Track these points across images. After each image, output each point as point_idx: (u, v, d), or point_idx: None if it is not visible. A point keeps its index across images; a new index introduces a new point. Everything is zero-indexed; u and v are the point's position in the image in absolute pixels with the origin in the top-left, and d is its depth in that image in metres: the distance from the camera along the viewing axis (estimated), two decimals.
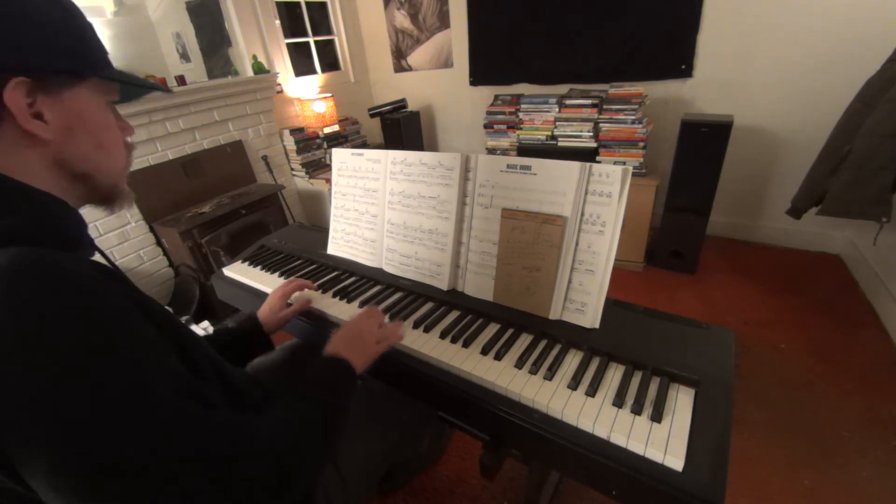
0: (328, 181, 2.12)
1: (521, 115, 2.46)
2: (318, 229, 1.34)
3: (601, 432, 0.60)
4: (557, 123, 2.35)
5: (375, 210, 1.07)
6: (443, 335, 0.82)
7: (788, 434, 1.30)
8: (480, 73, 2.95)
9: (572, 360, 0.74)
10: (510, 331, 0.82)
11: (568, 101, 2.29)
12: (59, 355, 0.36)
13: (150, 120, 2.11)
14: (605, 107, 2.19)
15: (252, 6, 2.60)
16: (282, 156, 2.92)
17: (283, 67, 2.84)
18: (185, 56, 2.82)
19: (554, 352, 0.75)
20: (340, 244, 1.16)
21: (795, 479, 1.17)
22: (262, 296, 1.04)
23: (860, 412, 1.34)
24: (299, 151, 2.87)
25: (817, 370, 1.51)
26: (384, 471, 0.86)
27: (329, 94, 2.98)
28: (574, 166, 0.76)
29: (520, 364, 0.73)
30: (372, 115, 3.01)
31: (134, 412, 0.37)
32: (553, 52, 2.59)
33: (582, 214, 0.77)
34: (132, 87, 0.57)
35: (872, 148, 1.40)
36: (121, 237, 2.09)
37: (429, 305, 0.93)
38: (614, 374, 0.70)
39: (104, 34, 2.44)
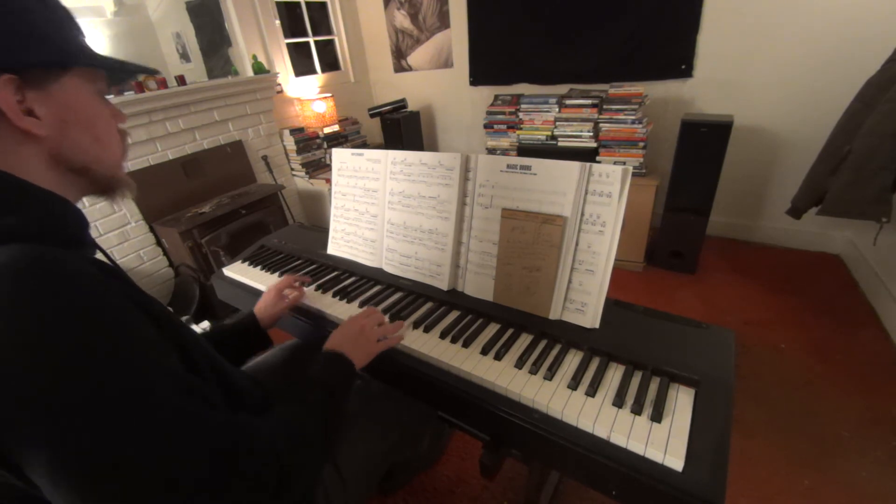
0: (328, 181, 2.12)
1: (521, 115, 2.46)
2: (318, 229, 1.34)
3: (601, 432, 0.60)
4: (557, 123, 2.34)
5: (375, 210, 1.07)
6: (443, 335, 0.82)
7: (788, 434, 1.30)
8: (480, 73, 2.95)
9: (572, 360, 0.74)
10: (510, 331, 0.82)
11: (568, 101, 2.29)
12: (60, 355, 0.36)
13: (150, 120, 2.12)
14: (605, 107, 2.19)
15: (252, 6, 2.60)
16: (282, 156, 2.92)
17: (283, 67, 2.84)
18: (185, 56, 2.82)
19: (554, 352, 0.75)
20: (340, 244, 1.16)
21: (795, 479, 1.17)
22: (262, 296, 1.04)
23: (860, 412, 1.34)
24: (299, 151, 2.87)
25: (817, 370, 1.51)
26: (384, 471, 0.87)
27: (329, 94, 2.98)
28: (574, 166, 0.76)
29: (520, 364, 0.73)
30: (372, 115, 3.01)
31: (134, 412, 0.37)
32: (553, 52, 2.59)
33: (582, 214, 0.77)
34: (119, 72, 0.56)
35: (872, 148, 1.40)
36: (121, 237, 2.09)
37: (429, 305, 0.93)
38: (614, 374, 0.70)
39: (104, 34, 2.45)
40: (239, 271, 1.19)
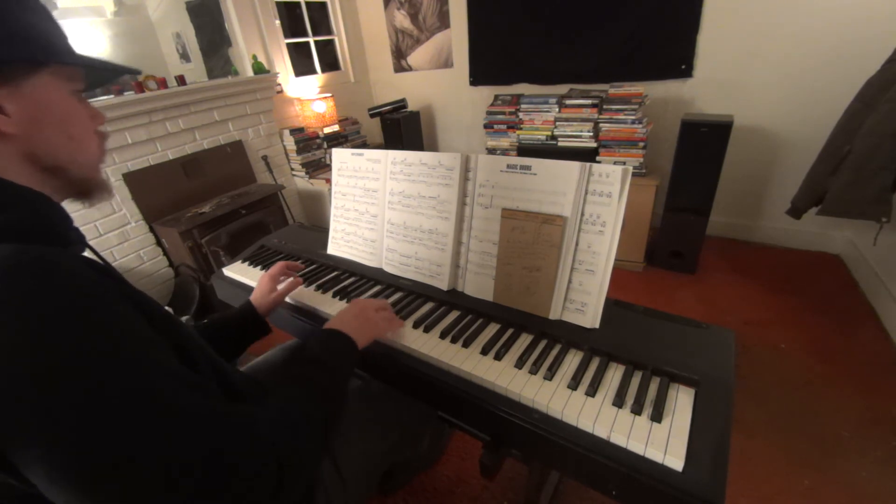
0: (328, 181, 2.12)
1: (521, 115, 2.46)
2: (318, 229, 1.34)
3: (601, 432, 0.60)
4: (557, 123, 2.34)
5: (375, 210, 1.07)
6: (443, 335, 0.82)
7: (788, 434, 1.30)
8: (480, 73, 2.95)
9: (572, 360, 0.74)
10: (510, 331, 0.82)
11: (568, 101, 2.29)
12: (61, 355, 0.36)
13: (150, 120, 2.12)
14: (605, 107, 2.19)
15: (252, 6, 2.60)
16: (282, 156, 2.92)
17: (283, 67, 2.84)
18: (185, 56, 2.82)
19: (554, 352, 0.75)
20: (340, 244, 1.16)
21: (795, 479, 1.17)
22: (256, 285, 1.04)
23: (860, 412, 1.34)
24: (299, 151, 2.87)
25: (817, 370, 1.51)
26: (384, 471, 0.87)
27: (329, 94, 2.98)
28: (574, 166, 0.76)
29: (520, 364, 0.73)
30: (372, 115, 3.01)
31: (135, 411, 0.37)
32: (553, 52, 2.59)
33: (582, 214, 0.77)
34: (102, 72, 0.55)
35: (872, 148, 1.40)
36: (121, 237, 2.09)
37: (429, 305, 0.93)
38: (614, 374, 0.70)
39: (104, 34, 2.45)
40: (239, 271, 1.19)
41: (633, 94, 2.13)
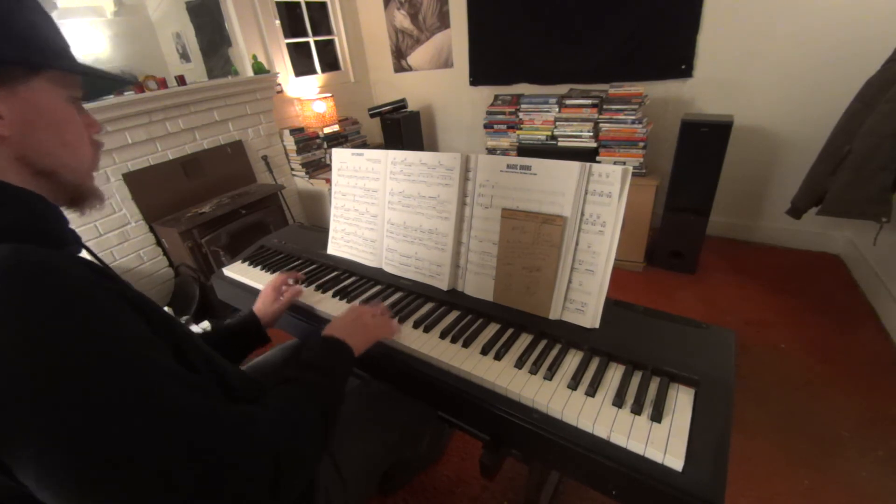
0: (328, 181, 2.12)
1: (521, 115, 2.46)
2: (318, 229, 1.34)
3: (601, 432, 0.60)
4: (557, 123, 2.34)
5: (375, 210, 1.07)
6: (443, 335, 0.82)
7: (788, 434, 1.30)
8: (480, 73, 2.94)
9: (572, 360, 0.74)
10: (510, 331, 0.82)
11: (568, 101, 2.29)
12: (59, 355, 0.36)
13: (150, 120, 2.12)
14: (605, 107, 2.19)
15: (252, 6, 2.60)
16: (282, 156, 2.92)
17: (283, 67, 2.84)
18: (185, 56, 2.82)
19: (554, 352, 0.75)
20: (340, 244, 1.16)
21: (795, 479, 1.17)
22: (258, 295, 1.04)
23: (860, 412, 1.34)
24: (299, 151, 2.87)
25: (817, 370, 1.51)
26: (384, 471, 0.86)
27: (329, 94, 2.98)
28: (574, 166, 0.76)
29: (520, 364, 0.73)
30: (372, 115, 3.01)
31: (134, 411, 0.37)
32: (553, 52, 2.59)
33: (582, 214, 0.77)
34: (102, 81, 0.55)
35: (872, 148, 1.40)
36: (121, 237, 2.09)
37: (429, 305, 0.93)
38: (614, 374, 0.70)
39: (104, 34, 2.45)
40: (239, 271, 1.19)
41: (633, 94, 2.13)
